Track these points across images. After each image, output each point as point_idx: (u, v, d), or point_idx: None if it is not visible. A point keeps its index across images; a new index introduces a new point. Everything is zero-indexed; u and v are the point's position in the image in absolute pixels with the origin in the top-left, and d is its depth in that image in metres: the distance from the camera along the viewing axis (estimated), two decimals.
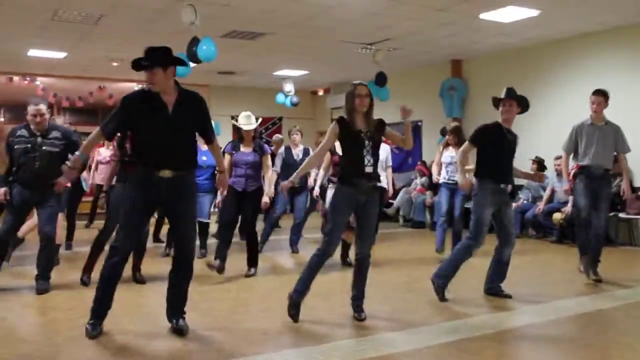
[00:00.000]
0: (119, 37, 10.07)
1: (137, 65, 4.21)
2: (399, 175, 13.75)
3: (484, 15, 8.93)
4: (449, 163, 8.03)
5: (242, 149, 6.75)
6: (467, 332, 4.45)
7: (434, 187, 10.03)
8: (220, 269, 6.55)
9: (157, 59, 4.16)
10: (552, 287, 6.08)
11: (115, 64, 12.41)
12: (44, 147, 5.62)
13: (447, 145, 8.19)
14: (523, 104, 5.48)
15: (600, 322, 4.88)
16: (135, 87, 12.69)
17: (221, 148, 5.21)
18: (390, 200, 12.78)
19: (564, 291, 5.91)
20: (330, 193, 6.95)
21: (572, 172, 6.71)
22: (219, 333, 4.41)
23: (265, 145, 6.89)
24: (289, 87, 14.17)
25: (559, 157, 9.28)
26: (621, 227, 9.41)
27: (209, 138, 4.52)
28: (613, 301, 5.49)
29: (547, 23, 9.44)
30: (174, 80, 4.27)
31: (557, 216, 9.50)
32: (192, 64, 8.84)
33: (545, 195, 9.92)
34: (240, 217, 6.85)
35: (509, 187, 5.47)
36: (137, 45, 7.51)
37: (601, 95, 6.46)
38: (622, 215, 9.18)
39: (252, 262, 6.83)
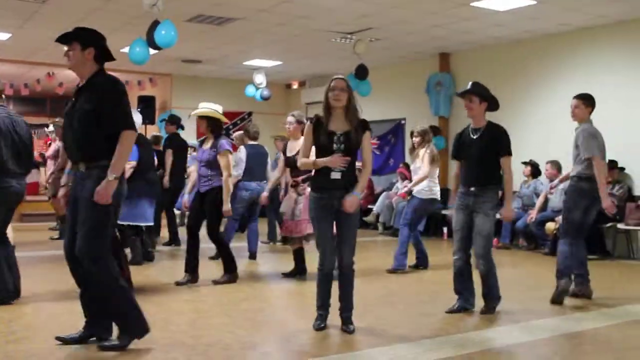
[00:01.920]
0: (71, 18, 9.95)
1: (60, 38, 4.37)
2: (379, 178, 13.79)
3: (477, 3, 9.00)
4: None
5: (204, 145, 6.74)
6: (450, 351, 4.46)
7: None
8: (193, 281, 6.61)
9: (78, 33, 4.37)
10: (544, 303, 6.12)
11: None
12: None
13: (412, 149, 7.98)
14: (488, 100, 5.50)
15: (596, 342, 4.93)
16: None
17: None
18: (369, 206, 12.83)
19: (557, 308, 5.96)
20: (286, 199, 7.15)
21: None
22: (177, 350, 4.37)
23: (222, 142, 6.53)
24: (260, 78, 14.12)
25: (550, 162, 9.39)
26: (619, 238, 9.54)
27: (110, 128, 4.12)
28: (609, 319, 5.56)
29: (544, 14, 9.55)
30: (100, 69, 4.30)
31: (550, 226, 9.55)
32: (152, 51, 8.79)
33: (538, 202, 9.96)
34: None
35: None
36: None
37: (579, 99, 6.14)
38: (620, 226, 9.29)
39: (225, 268, 6.87)
